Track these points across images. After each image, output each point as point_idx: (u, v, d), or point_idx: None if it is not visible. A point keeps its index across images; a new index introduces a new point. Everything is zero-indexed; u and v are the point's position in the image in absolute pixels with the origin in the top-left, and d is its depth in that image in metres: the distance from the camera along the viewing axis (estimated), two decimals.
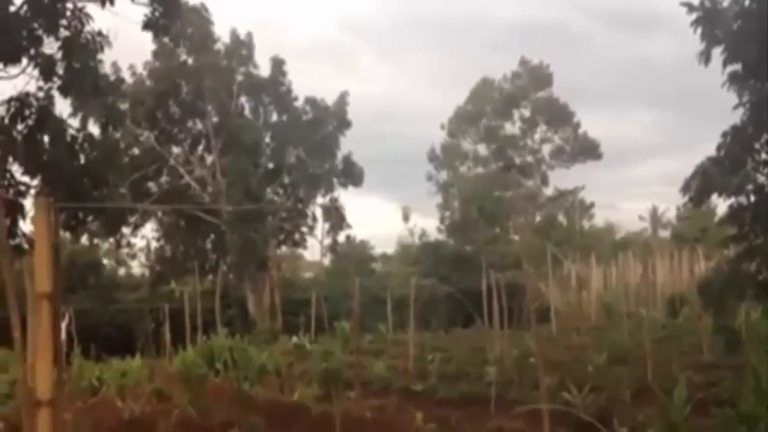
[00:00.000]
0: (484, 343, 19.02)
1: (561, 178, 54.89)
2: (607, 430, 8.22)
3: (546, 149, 54.97)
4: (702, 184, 9.88)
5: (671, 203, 60.23)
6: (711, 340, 14.33)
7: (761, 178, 9.79)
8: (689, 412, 8.11)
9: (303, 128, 36.56)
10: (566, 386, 10.66)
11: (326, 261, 42.34)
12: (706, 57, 9.36)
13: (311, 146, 36.72)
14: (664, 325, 20.88)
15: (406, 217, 54.20)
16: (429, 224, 72.00)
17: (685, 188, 10.06)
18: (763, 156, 9.75)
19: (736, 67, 9.37)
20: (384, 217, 75.70)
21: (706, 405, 8.51)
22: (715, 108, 11.42)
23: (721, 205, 11.06)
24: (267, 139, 37.23)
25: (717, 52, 9.32)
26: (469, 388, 12.80)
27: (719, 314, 11.69)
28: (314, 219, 38.75)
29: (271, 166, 37.12)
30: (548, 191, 55.28)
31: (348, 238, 39.12)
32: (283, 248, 40.22)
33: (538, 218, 53.13)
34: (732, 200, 10.00)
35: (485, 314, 20.81)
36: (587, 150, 53.38)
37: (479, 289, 19.84)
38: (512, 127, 55.29)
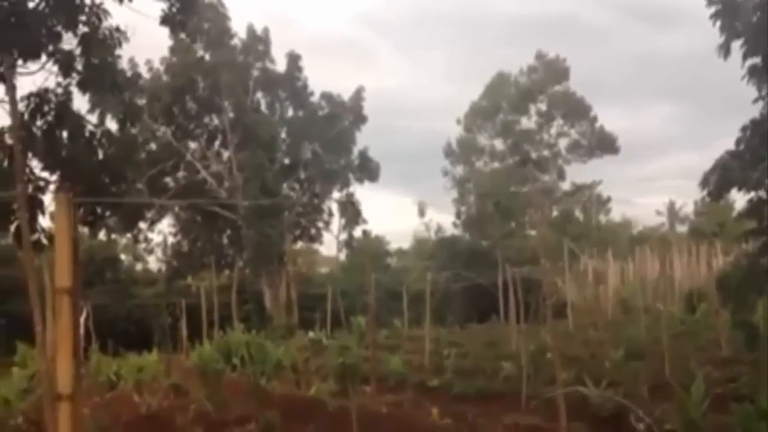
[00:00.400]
0: (500, 339, 19.04)
1: (577, 173, 54.66)
2: (624, 426, 8.20)
3: (562, 143, 54.72)
4: (721, 178, 9.77)
5: (689, 198, 59.92)
6: (729, 336, 14.24)
7: None
8: (707, 408, 8.07)
9: (319, 123, 36.62)
10: (583, 381, 10.63)
11: (342, 256, 42.42)
12: (725, 50, 9.25)
13: (327, 141, 36.78)
14: (681, 320, 20.77)
15: (421, 212, 54.22)
16: (445, 219, 71.94)
17: (704, 182, 9.96)
18: None
19: (756, 60, 9.26)
20: (400, 212, 75.75)
21: (724, 400, 8.46)
22: (734, 102, 11.33)
23: (739, 199, 10.94)
24: (283, 135, 37.32)
25: (736, 45, 9.22)
26: (485, 383, 12.78)
27: (738, 309, 11.58)
28: (330, 214, 38.87)
29: (287, 161, 37.22)
30: (565, 186, 55.06)
31: (364, 233, 39.16)
32: (299, 243, 40.35)
33: (554, 213, 52.93)
34: (752, 194, 9.89)
35: (501, 309, 20.79)
36: (604, 144, 53.06)
37: (495, 284, 19.79)
38: (528, 122, 55.06)
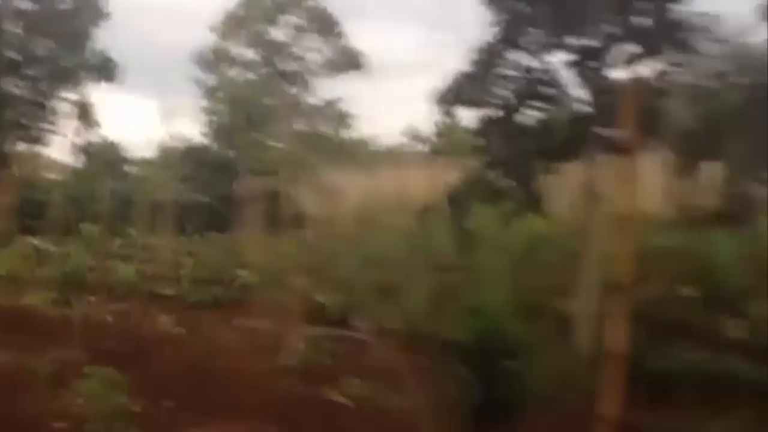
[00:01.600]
0: (240, 248, 18.98)
1: (325, 89, 55.27)
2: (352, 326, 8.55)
3: (312, 58, 54.89)
4: (454, 97, 10.31)
5: (430, 118, 63.25)
6: (452, 244, 15.30)
7: (506, 93, 10.38)
8: (428, 308, 8.66)
9: (56, 18, 33.24)
10: (319, 289, 10.92)
11: (78, 162, 39.61)
12: None
13: (63, 38, 33.55)
14: (414, 233, 21.98)
15: (168, 120, 51.91)
16: (193, 129, 69.71)
17: (439, 100, 10.46)
18: (509, 72, 10.32)
19: None
20: (146, 119, 71.87)
21: (443, 301, 9.11)
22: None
23: (471, 118, 11.65)
24: (18, 29, 33.37)
25: None
26: (223, 291, 12.71)
27: (459, 219, 12.47)
28: (59, 115, 35.73)
29: (13, 55, 33.51)
30: (312, 100, 55.56)
31: (102, 138, 36.85)
32: (23, 145, 36.90)
33: (300, 127, 53.40)
34: (481, 113, 10.56)
35: (244, 220, 20.72)
36: (352, 62, 54.03)
37: (239, 195, 19.60)
38: (281, 34, 54.46)
